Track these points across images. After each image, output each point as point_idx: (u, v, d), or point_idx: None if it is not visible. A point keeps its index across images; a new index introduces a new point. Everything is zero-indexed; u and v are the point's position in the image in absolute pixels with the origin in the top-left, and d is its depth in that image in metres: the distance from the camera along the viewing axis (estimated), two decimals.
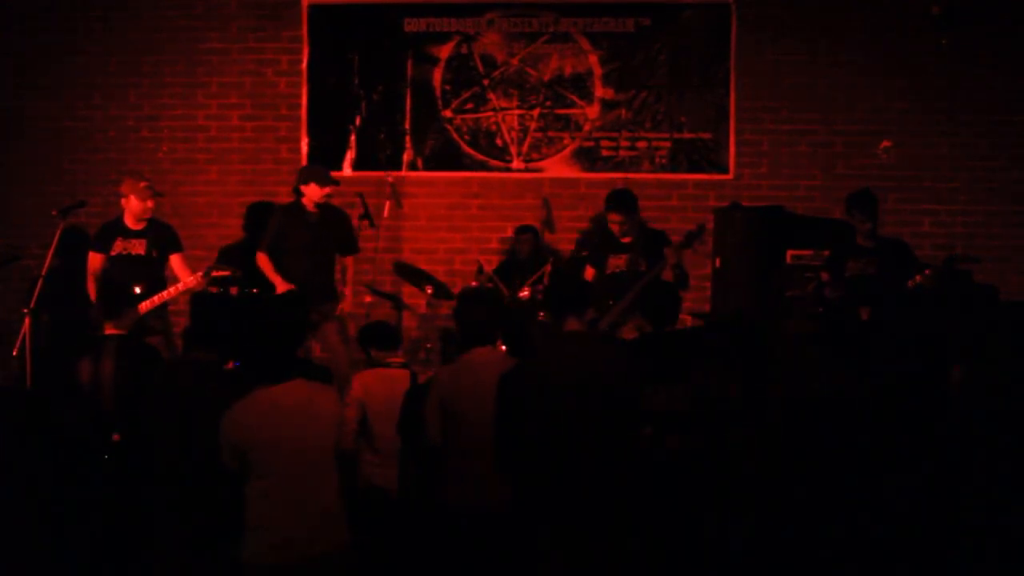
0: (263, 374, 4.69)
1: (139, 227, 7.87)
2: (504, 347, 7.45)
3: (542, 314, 7.32)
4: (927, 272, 7.45)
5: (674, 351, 5.58)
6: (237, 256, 8.64)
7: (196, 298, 5.76)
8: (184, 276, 7.69)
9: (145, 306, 7.52)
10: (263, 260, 8.12)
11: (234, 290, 7.60)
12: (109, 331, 6.08)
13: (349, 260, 8.39)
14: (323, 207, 8.18)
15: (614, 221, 7.90)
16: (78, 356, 6.04)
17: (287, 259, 8.11)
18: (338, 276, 8.37)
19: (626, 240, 7.91)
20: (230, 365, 5.62)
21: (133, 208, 7.84)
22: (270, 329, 4.74)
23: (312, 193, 8.14)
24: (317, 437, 4.65)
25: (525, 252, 8.83)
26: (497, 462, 4.83)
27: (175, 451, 4.96)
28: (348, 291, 8.29)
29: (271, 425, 4.60)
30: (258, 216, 9.06)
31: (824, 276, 7.89)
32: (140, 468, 5.20)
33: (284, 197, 9.17)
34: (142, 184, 7.83)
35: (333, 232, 8.25)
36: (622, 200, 7.94)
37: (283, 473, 4.58)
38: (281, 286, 7.91)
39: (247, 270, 7.93)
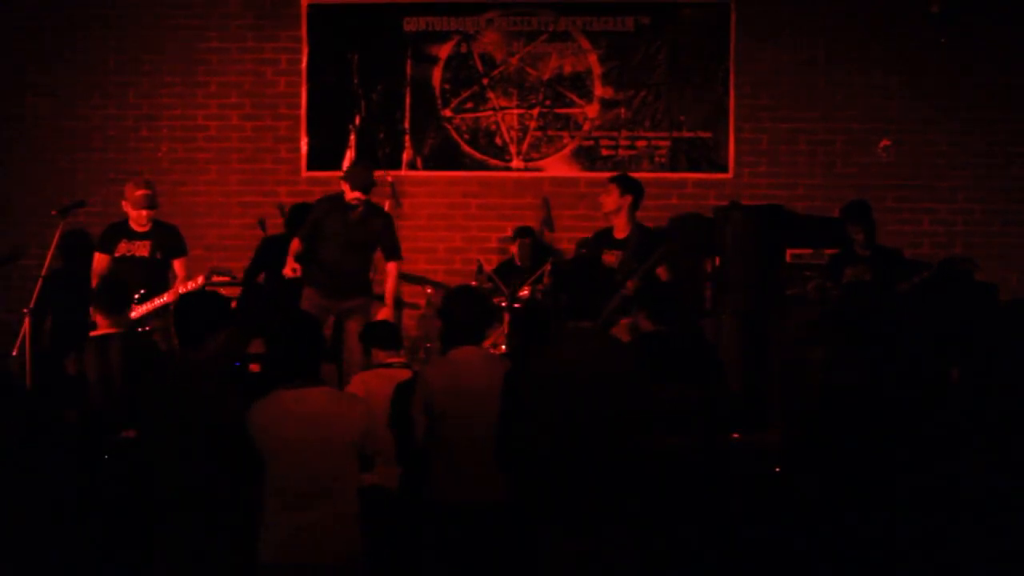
0: (282, 376, 4.69)
1: (144, 229, 7.77)
2: (506, 343, 7.46)
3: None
4: (925, 274, 7.50)
5: (674, 351, 5.58)
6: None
7: (182, 297, 5.72)
8: (185, 280, 7.66)
9: (143, 309, 7.50)
10: (295, 243, 7.88)
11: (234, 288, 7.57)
12: (107, 330, 6.09)
13: (391, 266, 7.94)
14: (368, 204, 7.87)
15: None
16: (78, 353, 6.03)
17: (320, 245, 7.84)
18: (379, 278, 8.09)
19: (620, 236, 7.82)
20: (256, 367, 5.61)
21: (130, 213, 7.80)
22: (290, 331, 4.75)
23: (347, 191, 7.82)
24: (333, 444, 4.63)
25: (526, 257, 8.75)
26: (500, 458, 4.84)
27: (172, 450, 4.95)
28: (388, 299, 7.87)
29: (284, 427, 4.61)
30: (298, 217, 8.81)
31: (828, 285, 7.91)
32: (141, 467, 5.19)
33: (284, 197, 9.20)
34: (139, 193, 7.69)
35: (371, 230, 7.88)
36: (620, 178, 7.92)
37: (294, 476, 4.58)
38: (288, 268, 7.72)
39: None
